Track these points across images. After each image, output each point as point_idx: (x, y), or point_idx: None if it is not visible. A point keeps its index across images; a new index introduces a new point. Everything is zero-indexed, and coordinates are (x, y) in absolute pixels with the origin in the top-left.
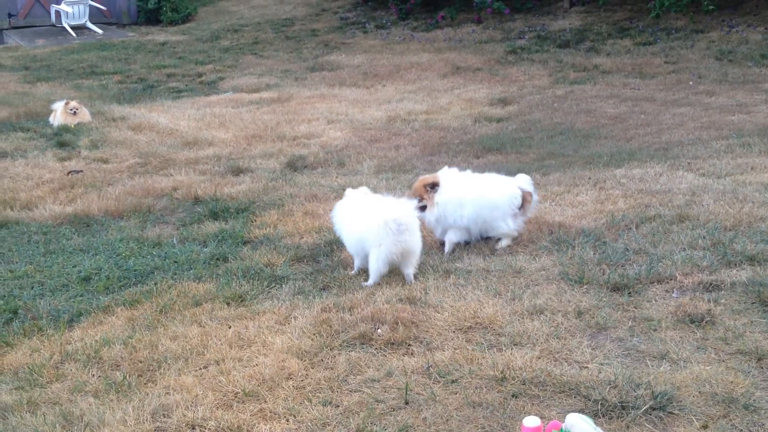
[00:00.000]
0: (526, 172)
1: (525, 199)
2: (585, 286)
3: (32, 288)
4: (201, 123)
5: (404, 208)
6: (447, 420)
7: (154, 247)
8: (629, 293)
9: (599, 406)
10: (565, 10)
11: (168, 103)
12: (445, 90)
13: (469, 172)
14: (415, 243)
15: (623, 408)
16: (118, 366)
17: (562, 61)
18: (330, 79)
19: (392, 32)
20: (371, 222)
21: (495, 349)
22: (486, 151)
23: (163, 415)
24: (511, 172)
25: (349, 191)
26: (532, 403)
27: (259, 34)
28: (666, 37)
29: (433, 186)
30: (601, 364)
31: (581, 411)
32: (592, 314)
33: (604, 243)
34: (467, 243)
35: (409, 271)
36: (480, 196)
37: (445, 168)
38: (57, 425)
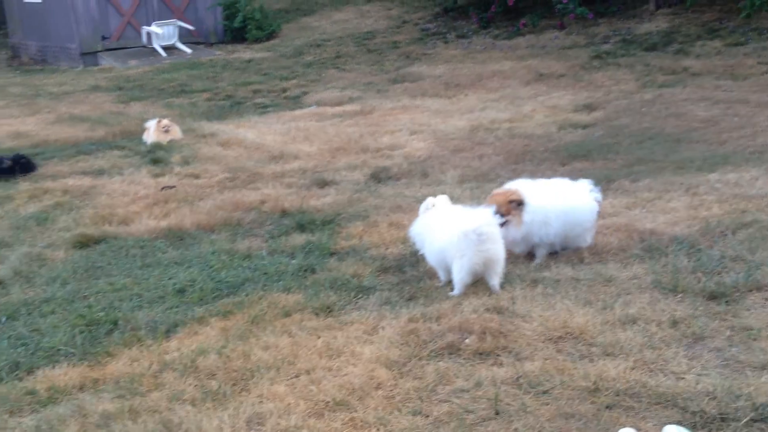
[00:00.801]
0: (614, 179)
1: None
2: (679, 295)
3: (131, 300)
4: (286, 137)
5: (484, 217)
6: (539, 431)
7: (244, 260)
8: (726, 302)
9: (697, 418)
10: (651, 12)
11: (254, 118)
12: (529, 97)
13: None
14: (498, 252)
15: (723, 420)
16: (213, 375)
17: (650, 64)
18: (412, 91)
19: (473, 41)
20: (452, 233)
21: (586, 360)
22: (572, 159)
23: (257, 423)
24: (599, 179)
25: (430, 200)
26: (627, 415)
27: (341, 48)
28: (758, 37)
29: (519, 204)
30: (699, 375)
31: (678, 423)
32: (687, 324)
33: (699, 250)
34: (554, 252)
35: (495, 282)
36: (565, 212)
37: (519, 181)
38: None
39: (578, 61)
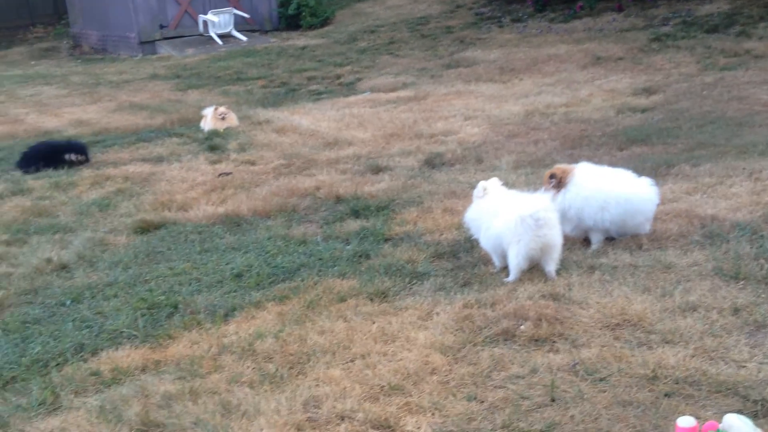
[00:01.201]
0: (674, 164)
1: None
2: (741, 282)
3: (190, 284)
4: (341, 123)
5: (542, 202)
6: (596, 419)
7: (299, 245)
8: None
9: (759, 407)
10: None
11: (309, 105)
12: (585, 81)
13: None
14: (555, 238)
15: None
16: (270, 358)
17: (711, 46)
18: (466, 76)
19: (529, 25)
20: (508, 218)
21: (645, 347)
22: (630, 143)
23: (314, 405)
24: (659, 164)
25: (481, 184)
26: (686, 403)
27: (394, 33)
28: None
29: (552, 176)
30: (761, 363)
31: (739, 412)
32: (749, 311)
33: (761, 236)
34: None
35: (551, 267)
36: (625, 200)
37: (582, 163)
38: (216, 413)
39: (637, 43)
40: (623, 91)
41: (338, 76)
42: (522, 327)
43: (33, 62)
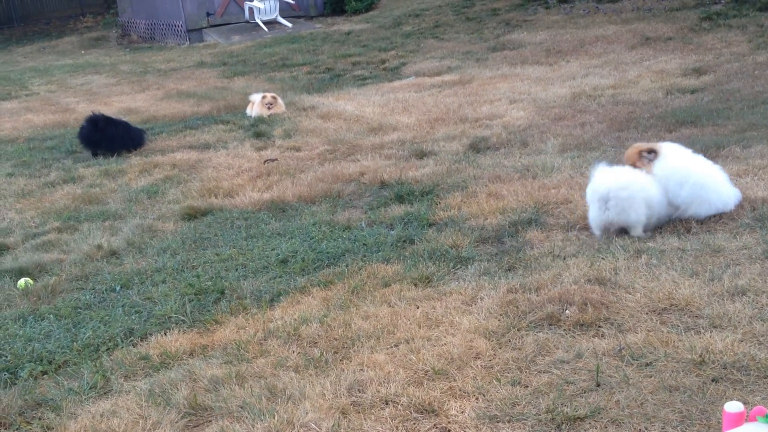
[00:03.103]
0: (724, 146)
1: None
2: None
3: (236, 270)
4: (385, 109)
5: (611, 180)
6: (641, 404)
7: (344, 231)
8: None
9: None
10: None
11: (354, 90)
12: (633, 62)
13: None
14: (622, 215)
15: None
16: (315, 343)
17: (764, 25)
18: (511, 59)
19: (576, 6)
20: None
21: (692, 332)
22: (679, 125)
23: (359, 390)
24: (708, 146)
25: None
26: (734, 388)
27: (439, 17)
28: None
29: (650, 152)
30: None
31: None
32: None
33: None
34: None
35: (632, 233)
36: (706, 178)
37: (668, 143)
38: (263, 397)
39: (687, 23)
40: (672, 71)
41: (383, 61)
42: (567, 312)
43: (83, 51)
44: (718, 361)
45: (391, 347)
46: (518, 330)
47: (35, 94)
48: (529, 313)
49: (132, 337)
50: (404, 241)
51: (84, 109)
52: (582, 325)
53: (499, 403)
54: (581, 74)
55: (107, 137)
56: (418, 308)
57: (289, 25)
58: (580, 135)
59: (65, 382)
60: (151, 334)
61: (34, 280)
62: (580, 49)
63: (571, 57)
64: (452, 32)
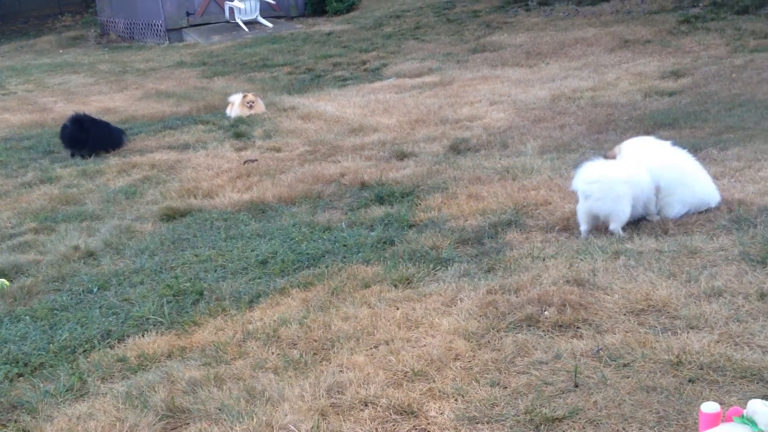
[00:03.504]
0: (702, 148)
1: None
2: None
3: (215, 271)
4: (366, 110)
5: (589, 173)
6: (619, 404)
7: (324, 232)
8: None
9: None
10: None
11: (334, 91)
12: (613, 65)
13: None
14: (602, 207)
15: None
16: (294, 345)
17: (741, 28)
18: (492, 60)
19: (556, 8)
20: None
21: (669, 333)
22: (657, 127)
23: (338, 391)
24: (686, 148)
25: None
26: (711, 389)
27: (420, 18)
28: None
29: None
30: None
31: (764, 397)
32: None
33: None
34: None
35: (610, 227)
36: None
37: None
38: (241, 399)
39: (665, 26)
40: (651, 74)
41: (364, 62)
42: (546, 313)
43: (61, 51)
44: (694, 361)
45: (371, 348)
46: (497, 331)
47: (12, 93)
48: (509, 314)
49: (109, 339)
50: (384, 243)
51: (62, 108)
52: (561, 326)
53: (478, 404)
54: (561, 76)
55: (90, 137)
56: (398, 309)
57: (270, 25)
58: (559, 137)
59: (41, 385)
60: (128, 336)
61: (10, 281)
62: (559, 51)
63: (550, 59)
64: (433, 33)
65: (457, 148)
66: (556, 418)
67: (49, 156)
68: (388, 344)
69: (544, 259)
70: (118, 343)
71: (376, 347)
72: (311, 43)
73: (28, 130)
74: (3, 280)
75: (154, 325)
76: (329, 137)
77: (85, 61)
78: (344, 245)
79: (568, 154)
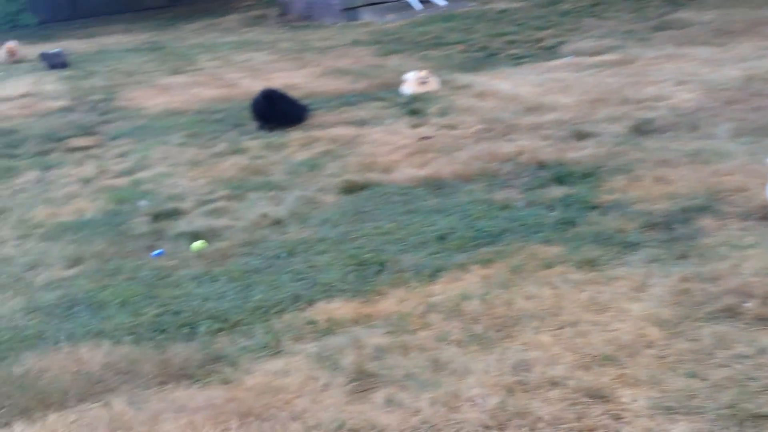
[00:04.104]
0: None
1: None
2: None
3: (395, 244)
4: (542, 88)
5: None
6: None
7: (501, 210)
8: None
9: None
10: None
11: (509, 69)
12: None
13: None
14: None
15: None
16: (476, 320)
17: None
18: (677, 38)
19: None
20: None
21: None
22: None
23: (523, 369)
24: None
25: None
26: None
27: None
28: None
29: None
30: None
31: None
32: None
33: None
34: None
35: None
36: None
37: None
38: (427, 369)
39: None
40: None
41: (539, 40)
42: (748, 304)
43: (245, 29)
44: None
45: (556, 329)
46: (693, 321)
47: (202, 69)
48: (705, 304)
49: (299, 303)
50: (565, 223)
51: (248, 84)
52: (764, 319)
53: (674, 394)
54: (755, 56)
55: (278, 112)
56: (582, 292)
57: (443, 3)
58: (755, 120)
59: (240, 340)
60: (316, 301)
61: (208, 243)
62: (753, 29)
63: (743, 38)
64: (612, 11)
65: (641, 129)
66: (763, 415)
67: (238, 128)
68: (574, 326)
69: (743, 248)
70: (308, 306)
71: (561, 328)
72: (485, 21)
73: (217, 103)
74: (202, 241)
75: (340, 292)
76: (505, 116)
77: (267, 39)
78: (523, 224)
79: (766, 139)
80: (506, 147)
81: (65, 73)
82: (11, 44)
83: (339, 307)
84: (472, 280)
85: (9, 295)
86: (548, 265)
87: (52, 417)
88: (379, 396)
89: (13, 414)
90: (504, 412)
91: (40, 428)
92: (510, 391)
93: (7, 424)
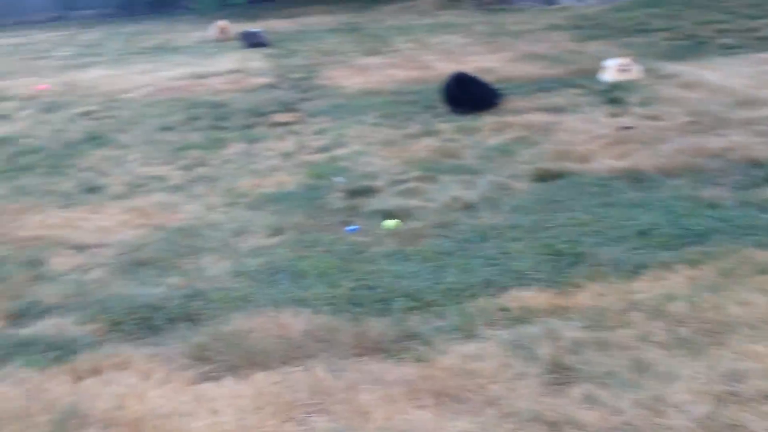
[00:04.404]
0: None
1: None
2: None
3: (592, 236)
4: (757, 81)
5: None
6: None
7: (708, 208)
8: None
9: None
10: None
11: (719, 60)
12: None
13: None
14: None
15: None
16: (682, 323)
17: None
18: None
19: None
20: None
21: None
22: None
23: (735, 380)
24: None
25: None
26: None
27: None
28: None
29: None
30: None
31: None
32: None
33: None
34: None
35: None
36: None
37: None
38: (628, 369)
39: None
40: None
41: (753, 30)
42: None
43: (439, 12)
44: None
45: None
46: None
47: (398, 51)
48: None
49: (490, 288)
50: None
51: (442, 67)
52: None
53: None
54: None
55: (470, 96)
56: None
57: None
58: None
59: (432, 320)
60: (509, 288)
61: (402, 223)
62: None
63: None
64: None
65: None
66: None
67: (430, 111)
68: None
69: None
70: (500, 293)
71: None
72: (693, 7)
73: (411, 85)
74: (396, 220)
75: (534, 281)
76: (713, 108)
77: (462, 22)
78: (734, 225)
79: None
80: (715, 142)
81: (269, 51)
82: (222, 23)
83: (533, 296)
84: (677, 280)
85: (218, 257)
86: (763, 271)
87: (259, 375)
88: (577, 391)
89: (222, 369)
90: (714, 423)
91: (248, 385)
92: (721, 401)
93: (217, 379)
